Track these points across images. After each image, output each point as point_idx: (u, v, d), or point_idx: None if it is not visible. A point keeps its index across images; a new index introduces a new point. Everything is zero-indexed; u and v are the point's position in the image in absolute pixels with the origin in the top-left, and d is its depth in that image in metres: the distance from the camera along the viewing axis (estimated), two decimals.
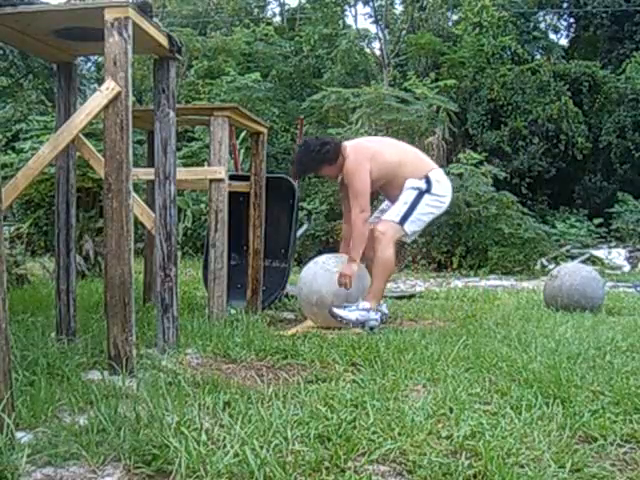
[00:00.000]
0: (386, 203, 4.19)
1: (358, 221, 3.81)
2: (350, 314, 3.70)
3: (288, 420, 1.89)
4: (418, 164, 4.03)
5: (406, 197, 3.90)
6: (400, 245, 5.82)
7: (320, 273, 3.91)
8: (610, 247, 11.04)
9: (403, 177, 3.93)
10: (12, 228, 7.00)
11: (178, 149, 6.98)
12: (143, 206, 3.10)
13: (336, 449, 1.70)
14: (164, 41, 2.82)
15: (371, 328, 3.66)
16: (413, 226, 3.91)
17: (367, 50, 16.35)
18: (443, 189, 4.00)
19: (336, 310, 3.70)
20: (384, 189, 4.13)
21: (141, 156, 7.26)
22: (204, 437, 1.74)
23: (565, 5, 17.07)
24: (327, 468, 1.63)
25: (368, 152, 3.94)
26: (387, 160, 3.95)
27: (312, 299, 3.91)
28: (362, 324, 3.67)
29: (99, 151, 2.93)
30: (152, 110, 3.08)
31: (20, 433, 1.78)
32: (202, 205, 9.84)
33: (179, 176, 3.21)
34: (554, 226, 11.66)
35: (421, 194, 3.90)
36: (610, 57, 15.55)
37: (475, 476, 1.61)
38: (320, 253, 9.51)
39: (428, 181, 3.93)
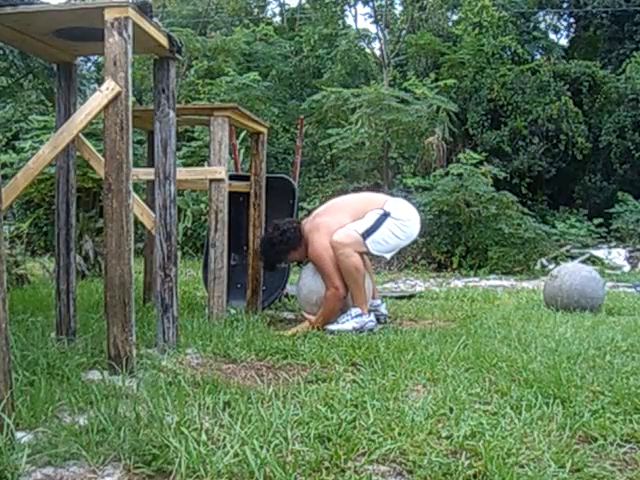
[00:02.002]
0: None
1: (332, 298, 3.77)
2: (345, 325, 3.73)
3: (288, 420, 1.89)
4: (370, 205, 3.98)
5: (369, 217, 3.89)
6: None
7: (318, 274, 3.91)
8: (610, 247, 11.04)
9: (366, 212, 3.94)
10: (12, 228, 7.00)
11: (178, 149, 6.99)
12: (143, 206, 3.10)
13: (336, 449, 1.70)
14: (164, 41, 2.82)
15: (370, 329, 3.69)
16: (377, 246, 3.86)
17: (367, 50, 16.33)
18: (405, 214, 3.97)
19: (331, 327, 3.73)
20: None
21: (141, 156, 7.26)
22: (204, 437, 1.74)
23: (565, 5, 17.06)
24: (327, 468, 1.63)
25: (326, 228, 3.87)
26: (344, 223, 3.87)
27: (312, 299, 3.91)
28: (360, 329, 3.70)
29: (99, 151, 2.93)
30: (152, 110, 3.08)
31: (20, 433, 1.78)
32: (202, 205, 9.84)
33: (179, 176, 3.21)
34: (554, 226, 11.65)
35: (384, 217, 3.89)
36: (610, 57, 15.55)
37: (475, 476, 1.61)
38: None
39: (385, 212, 3.91)
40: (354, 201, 4.19)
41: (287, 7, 19.78)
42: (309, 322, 3.82)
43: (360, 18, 24.15)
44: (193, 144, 11.24)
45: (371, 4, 16.16)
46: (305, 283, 3.99)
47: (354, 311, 3.79)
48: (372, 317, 3.80)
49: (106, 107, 2.46)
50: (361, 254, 3.84)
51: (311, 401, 2.11)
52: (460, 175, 9.87)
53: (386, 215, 3.91)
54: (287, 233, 3.93)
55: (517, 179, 13.38)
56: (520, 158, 13.44)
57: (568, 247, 10.73)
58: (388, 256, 4.05)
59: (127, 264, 2.48)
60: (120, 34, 2.44)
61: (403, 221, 3.94)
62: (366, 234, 3.83)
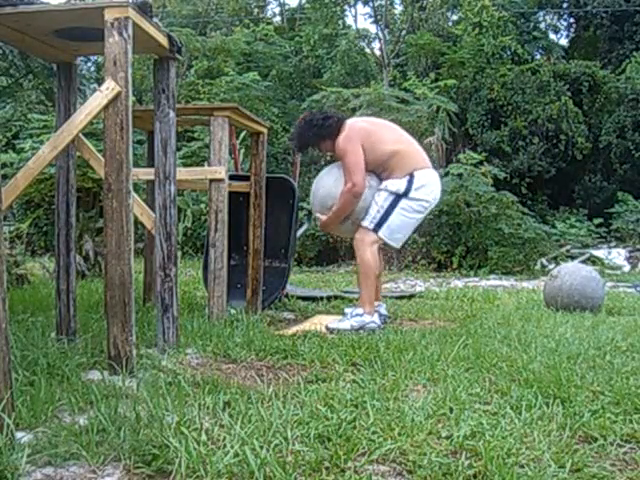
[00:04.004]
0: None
1: (347, 194, 3.75)
2: (343, 324, 3.73)
3: (288, 420, 1.89)
4: (409, 158, 3.88)
5: (382, 201, 3.82)
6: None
7: (341, 180, 3.85)
8: (610, 247, 11.05)
9: (390, 169, 3.85)
10: (12, 228, 7.00)
11: (178, 149, 6.98)
12: (143, 206, 3.10)
13: (336, 449, 1.70)
14: (164, 41, 2.82)
15: (372, 330, 3.68)
16: (391, 232, 3.82)
17: (367, 50, 16.35)
18: (425, 193, 3.86)
19: (330, 325, 3.73)
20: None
21: (141, 156, 7.26)
22: (204, 437, 1.74)
23: (565, 5, 17.07)
24: (327, 468, 1.63)
25: (364, 132, 3.85)
26: (380, 148, 3.83)
27: (327, 203, 3.90)
28: (360, 329, 3.69)
29: (99, 151, 2.93)
30: (152, 110, 3.08)
31: (20, 433, 1.78)
32: (202, 205, 9.84)
33: (179, 176, 3.21)
34: (554, 226, 11.66)
35: (398, 198, 3.81)
36: (610, 57, 15.56)
37: (475, 476, 1.60)
38: (320, 253, 9.53)
39: (410, 181, 3.82)
40: (405, 137, 4.03)
41: (287, 7, 19.80)
42: (320, 220, 3.91)
43: (360, 18, 24.17)
44: (193, 144, 11.24)
45: (371, 4, 16.18)
46: (325, 185, 3.93)
47: (356, 311, 3.78)
48: (375, 318, 3.78)
49: (106, 107, 2.46)
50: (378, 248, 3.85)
51: (311, 401, 2.11)
52: (460, 175, 9.87)
53: (400, 197, 3.81)
54: (329, 120, 3.91)
55: (517, 179, 13.39)
56: (520, 158, 13.44)
57: (568, 247, 10.74)
58: (397, 245, 3.99)
59: (127, 264, 2.48)
60: (120, 34, 2.44)
61: (419, 201, 3.85)
62: (377, 226, 3.80)
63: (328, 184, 3.93)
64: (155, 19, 2.73)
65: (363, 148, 3.80)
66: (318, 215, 3.96)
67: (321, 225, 4.02)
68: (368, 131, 3.88)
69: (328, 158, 13.09)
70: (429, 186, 3.90)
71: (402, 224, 3.86)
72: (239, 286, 4.52)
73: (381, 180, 3.90)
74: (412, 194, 3.82)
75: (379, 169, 3.89)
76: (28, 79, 5.46)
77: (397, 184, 3.82)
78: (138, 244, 5.64)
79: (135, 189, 2.74)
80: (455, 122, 12.57)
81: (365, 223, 3.83)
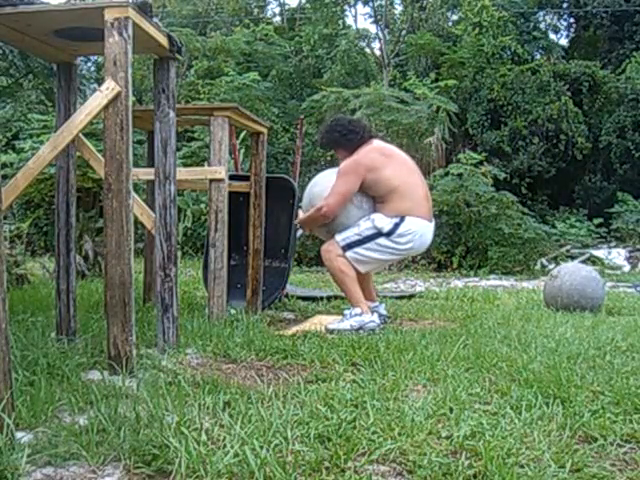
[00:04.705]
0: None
1: (316, 211, 3.81)
2: (342, 324, 3.73)
3: (288, 420, 1.89)
4: (407, 200, 3.80)
5: (363, 228, 3.80)
6: None
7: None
8: (610, 247, 11.05)
9: (385, 201, 3.81)
10: (12, 228, 7.00)
11: (178, 149, 6.98)
12: (143, 206, 3.10)
13: (336, 449, 1.70)
14: (164, 41, 2.82)
15: (372, 329, 3.68)
16: (357, 259, 3.80)
17: (367, 50, 16.35)
18: (407, 240, 3.81)
19: (330, 325, 3.73)
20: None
21: (141, 156, 7.26)
22: (204, 437, 1.74)
23: (565, 5, 17.07)
24: (327, 468, 1.63)
25: (376, 163, 3.81)
26: (383, 181, 3.80)
27: (315, 202, 3.91)
28: (359, 329, 3.69)
29: (99, 151, 2.93)
30: (152, 110, 3.08)
31: (20, 433, 1.78)
32: (202, 205, 9.84)
33: (179, 176, 3.21)
34: (554, 226, 11.66)
35: (378, 234, 3.78)
36: (610, 57, 15.55)
37: (475, 476, 1.60)
38: (320, 253, 9.50)
39: (397, 224, 3.77)
40: (416, 180, 3.94)
41: (287, 7, 19.78)
42: (298, 218, 4.04)
43: (360, 18, 24.16)
44: (193, 144, 11.24)
45: (371, 4, 16.19)
46: (324, 185, 3.91)
47: (354, 311, 3.79)
48: (374, 317, 3.78)
49: (106, 107, 2.46)
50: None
51: (311, 401, 2.11)
52: (460, 175, 9.87)
53: (380, 235, 3.78)
54: (351, 134, 3.92)
55: (517, 179, 13.38)
56: (520, 158, 13.44)
57: (568, 247, 10.74)
58: (363, 270, 3.89)
59: (127, 264, 2.47)
60: (120, 34, 2.44)
61: (399, 244, 3.82)
62: (347, 247, 3.80)
63: (328, 186, 3.90)
64: (155, 19, 2.73)
65: (365, 179, 3.78)
66: (300, 213, 4.05)
67: (298, 221, 4.10)
68: (377, 164, 3.82)
69: (328, 158, 13.11)
70: (414, 235, 3.83)
71: (371, 258, 3.84)
72: (239, 286, 4.52)
73: (374, 207, 3.88)
74: (393, 237, 3.80)
75: (377, 198, 3.88)
76: (28, 79, 5.46)
77: (384, 222, 3.79)
78: (138, 244, 5.64)
79: (135, 189, 2.74)
80: (455, 122, 12.57)
81: (338, 238, 3.84)
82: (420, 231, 3.87)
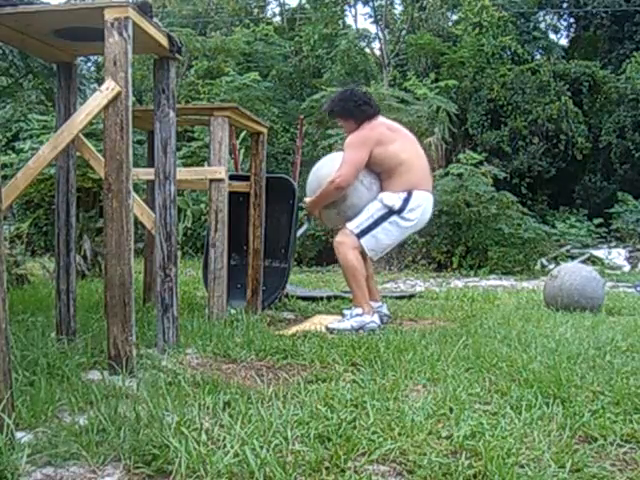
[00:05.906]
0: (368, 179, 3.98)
1: (330, 184, 3.80)
2: (343, 324, 3.74)
3: (288, 420, 1.89)
4: (412, 174, 3.88)
5: (374, 210, 3.83)
6: (400, 245, 5.80)
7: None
8: (610, 247, 11.05)
9: (392, 177, 3.86)
10: (12, 228, 7.00)
11: (178, 149, 6.98)
12: (143, 206, 3.10)
13: (336, 449, 1.70)
14: (164, 41, 2.82)
15: (372, 330, 3.68)
16: (373, 243, 3.83)
17: (367, 50, 16.34)
18: (416, 214, 3.88)
19: (330, 325, 3.74)
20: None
21: (141, 156, 7.26)
22: (204, 437, 1.74)
23: (565, 5, 17.07)
24: (327, 468, 1.63)
25: (382, 137, 3.87)
26: (390, 154, 3.85)
27: (322, 183, 3.92)
28: (359, 329, 3.69)
29: (99, 151, 2.93)
30: (152, 110, 3.08)
31: (20, 433, 1.78)
32: (202, 205, 9.84)
33: (179, 176, 3.21)
34: (554, 226, 11.66)
35: (390, 213, 3.82)
36: (610, 57, 15.56)
37: (475, 476, 1.60)
38: (320, 253, 9.53)
39: (407, 199, 3.83)
40: (421, 154, 4.04)
41: (287, 7, 19.77)
42: (309, 200, 4.00)
43: (360, 18, 24.11)
44: (193, 144, 11.24)
45: (371, 4, 16.19)
46: (331, 167, 3.93)
47: (355, 311, 3.79)
48: (375, 318, 3.78)
49: (106, 107, 2.46)
50: (361, 252, 3.85)
51: (311, 401, 2.11)
52: (460, 175, 9.87)
53: (392, 212, 3.83)
54: (365, 106, 3.94)
55: (517, 179, 13.39)
56: (520, 158, 13.44)
57: (568, 247, 10.74)
58: (374, 257, 3.99)
59: (127, 264, 2.47)
60: (120, 34, 2.44)
61: (409, 220, 3.88)
62: (362, 233, 3.81)
63: (334, 167, 3.91)
64: (155, 19, 2.73)
65: (373, 153, 3.82)
66: (306, 199, 4.03)
67: (307, 205, 4.07)
68: (385, 138, 3.89)
69: None
70: (422, 209, 3.92)
71: (386, 238, 3.88)
72: (239, 286, 4.52)
73: (381, 187, 3.92)
74: (405, 213, 3.85)
75: (383, 174, 3.91)
76: (28, 79, 5.46)
77: (393, 199, 3.84)
78: (138, 244, 5.63)
79: (135, 189, 2.74)
80: (455, 122, 12.57)
81: (351, 226, 3.84)
82: (427, 204, 3.97)
